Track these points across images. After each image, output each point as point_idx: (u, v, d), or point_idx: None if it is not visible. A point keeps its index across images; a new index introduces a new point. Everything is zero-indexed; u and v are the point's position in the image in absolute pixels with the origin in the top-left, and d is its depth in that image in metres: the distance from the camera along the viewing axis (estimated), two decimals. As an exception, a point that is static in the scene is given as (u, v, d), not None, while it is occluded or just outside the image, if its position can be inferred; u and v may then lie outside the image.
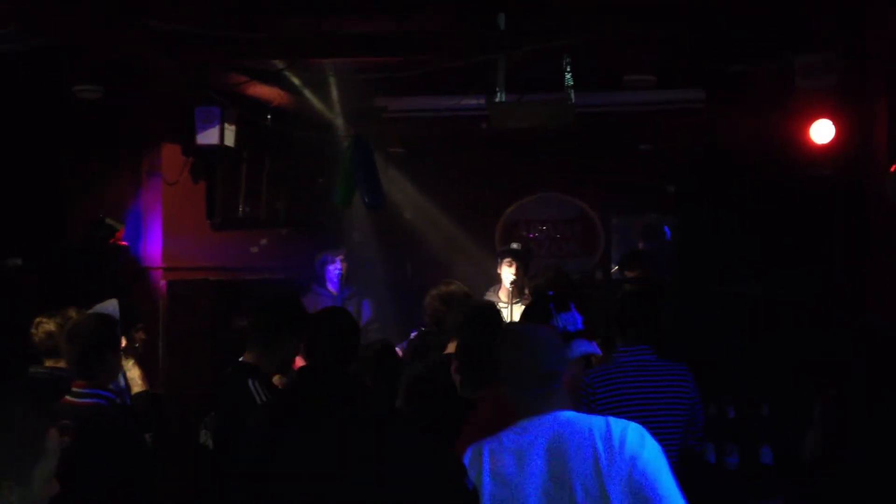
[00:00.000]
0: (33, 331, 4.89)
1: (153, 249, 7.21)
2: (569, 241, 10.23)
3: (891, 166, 5.04)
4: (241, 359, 4.03)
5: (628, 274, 7.52)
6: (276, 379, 4.18)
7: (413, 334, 5.71)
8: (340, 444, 2.64)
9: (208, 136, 7.04)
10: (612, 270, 7.81)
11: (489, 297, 6.87)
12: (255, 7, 5.49)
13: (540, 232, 10.26)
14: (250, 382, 3.81)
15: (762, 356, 5.61)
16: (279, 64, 6.77)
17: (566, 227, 10.29)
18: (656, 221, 10.43)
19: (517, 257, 6.93)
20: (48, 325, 4.84)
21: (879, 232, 5.38)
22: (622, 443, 2.66)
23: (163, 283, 7.21)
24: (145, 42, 5.68)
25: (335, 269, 7.62)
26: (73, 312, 4.83)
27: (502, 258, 7.00)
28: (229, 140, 7.11)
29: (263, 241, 8.47)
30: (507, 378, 2.82)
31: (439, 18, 5.77)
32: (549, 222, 10.31)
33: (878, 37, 5.40)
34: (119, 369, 4.60)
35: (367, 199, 6.65)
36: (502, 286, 6.99)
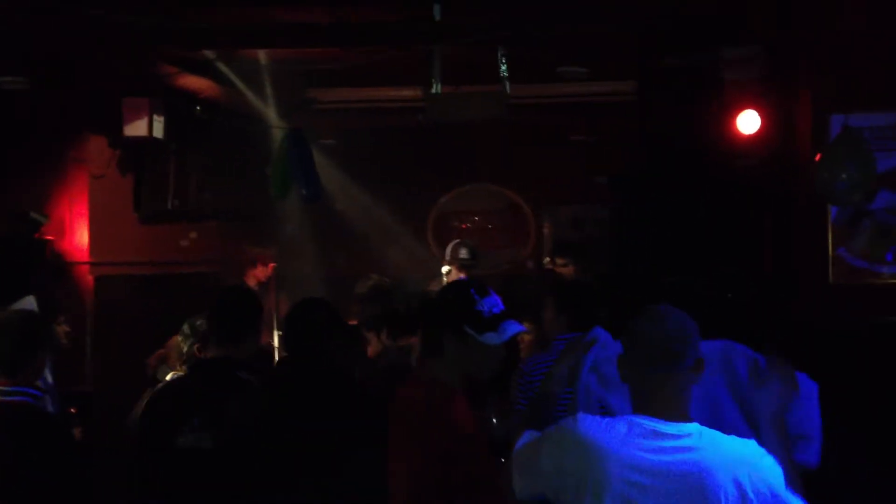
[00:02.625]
0: None
1: (80, 244, 7.06)
2: (500, 232, 10.32)
3: (814, 156, 5.19)
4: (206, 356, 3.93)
5: (559, 262, 7.64)
6: None
7: None
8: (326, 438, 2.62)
9: (136, 128, 6.91)
10: (545, 261, 7.91)
11: (434, 288, 6.99)
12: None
13: (472, 223, 10.33)
14: (242, 374, 3.62)
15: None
16: (210, 54, 6.67)
17: (498, 217, 10.38)
18: (585, 212, 10.58)
19: (469, 269, 7.12)
20: None
21: (806, 221, 5.55)
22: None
23: (90, 278, 7.07)
24: (74, 30, 5.54)
25: (264, 273, 7.56)
26: None
27: (456, 265, 7.12)
28: (158, 132, 6.99)
29: (193, 235, 8.34)
30: (630, 354, 2.53)
31: (374, 9, 5.75)
32: (481, 213, 10.39)
33: (802, 32, 5.56)
34: (45, 366, 4.49)
35: (304, 192, 6.61)
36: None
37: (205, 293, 7.19)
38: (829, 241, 5.41)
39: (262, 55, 6.82)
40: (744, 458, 2.43)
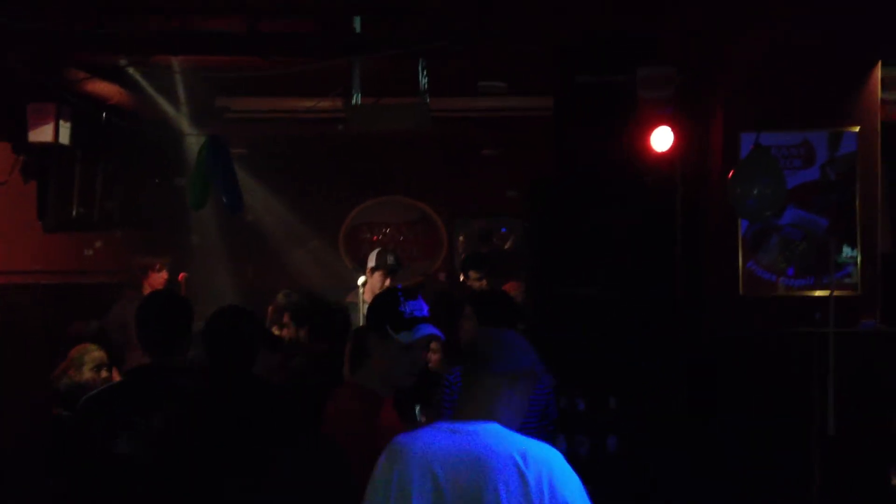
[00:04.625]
0: None
1: (-19, 252, 6.81)
2: (412, 244, 10.35)
3: (725, 172, 5.39)
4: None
5: (473, 275, 7.71)
6: None
7: None
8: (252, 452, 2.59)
9: (41, 133, 6.68)
10: (461, 280, 7.98)
11: (351, 299, 6.98)
12: (105, 3, 5.27)
13: (383, 235, 10.33)
14: (179, 381, 3.56)
15: (607, 353, 5.83)
16: (122, 60, 6.51)
17: (408, 229, 10.41)
18: (493, 225, 10.71)
19: (394, 274, 7.21)
20: None
21: (718, 235, 5.74)
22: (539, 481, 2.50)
23: (-8, 287, 6.83)
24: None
25: (159, 278, 7.39)
26: None
27: (383, 270, 7.14)
28: (64, 138, 6.78)
29: (97, 244, 8.13)
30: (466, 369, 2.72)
31: (294, 20, 5.70)
32: (392, 225, 10.41)
33: (714, 54, 5.77)
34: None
35: (225, 201, 6.50)
36: (368, 291, 7.06)
37: (107, 303, 7.05)
38: (740, 255, 5.63)
39: (175, 62, 6.69)
40: (546, 459, 2.52)
